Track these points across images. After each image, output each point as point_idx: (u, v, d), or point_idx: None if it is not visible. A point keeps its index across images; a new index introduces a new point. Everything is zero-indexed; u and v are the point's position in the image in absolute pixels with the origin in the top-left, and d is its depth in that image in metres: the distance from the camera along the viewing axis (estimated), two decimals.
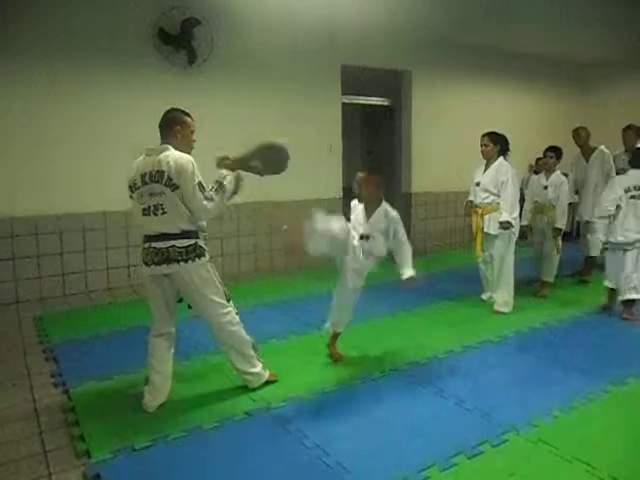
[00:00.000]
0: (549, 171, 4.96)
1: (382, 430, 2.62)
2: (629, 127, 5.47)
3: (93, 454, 2.41)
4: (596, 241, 5.08)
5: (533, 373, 3.28)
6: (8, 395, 3.03)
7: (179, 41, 5.27)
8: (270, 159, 2.90)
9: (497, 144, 4.44)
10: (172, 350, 2.92)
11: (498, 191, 4.36)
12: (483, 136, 4.51)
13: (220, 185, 2.74)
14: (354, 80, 6.66)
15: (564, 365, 3.37)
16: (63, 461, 2.38)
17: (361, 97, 7.24)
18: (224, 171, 2.81)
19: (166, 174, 2.65)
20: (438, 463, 2.31)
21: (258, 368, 3.01)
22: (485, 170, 4.51)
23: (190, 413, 2.79)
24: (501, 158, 4.44)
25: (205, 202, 2.67)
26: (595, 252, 5.38)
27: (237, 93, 5.71)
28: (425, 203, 7.48)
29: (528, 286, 5.09)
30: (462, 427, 2.62)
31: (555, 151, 4.94)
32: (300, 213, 6.45)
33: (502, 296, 4.45)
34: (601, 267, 4.72)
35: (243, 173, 2.89)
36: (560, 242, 4.93)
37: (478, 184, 4.51)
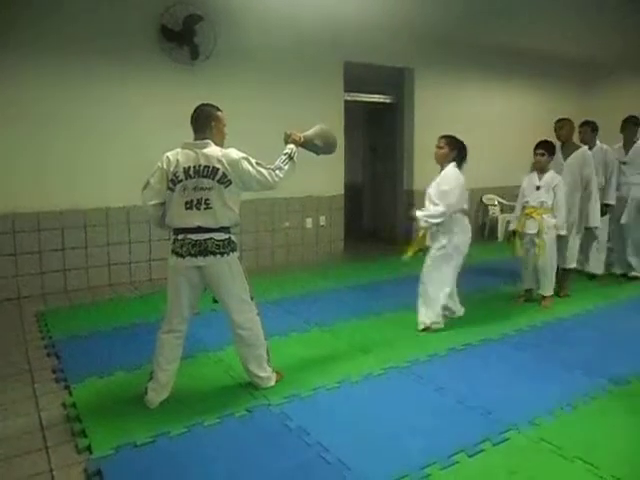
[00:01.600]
0: (542, 170, 4.48)
1: (383, 427, 2.62)
2: (586, 122, 5.30)
3: (94, 450, 2.42)
4: (573, 252, 4.79)
5: (534, 371, 3.28)
6: (10, 391, 3.03)
7: (182, 38, 5.27)
8: (328, 141, 3.20)
9: (453, 149, 3.94)
10: (181, 349, 2.92)
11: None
12: (440, 137, 4.02)
13: (289, 156, 2.92)
14: (356, 77, 6.65)
15: (566, 363, 3.36)
16: (64, 457, 2.39)
17: (363, 94, 7.23)
18: (292, 145, 2.97)
19: (221, 171, 2.70)
20: (439, 461, 2.31)
21: (268, 372, 3.01)
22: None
23: (191, 409, 2.79)
24: (451, 165, 3.92)
25: (277, 172, 2.82)
26: (572, 264, 4.84)
27: (239, 90, 5.71)
28: None
29: (509, 301, 4.74)
30: (463, 425, 2.62)
31: (546, 147, 4.45)
32: (302, 210, 6.45)
33: None
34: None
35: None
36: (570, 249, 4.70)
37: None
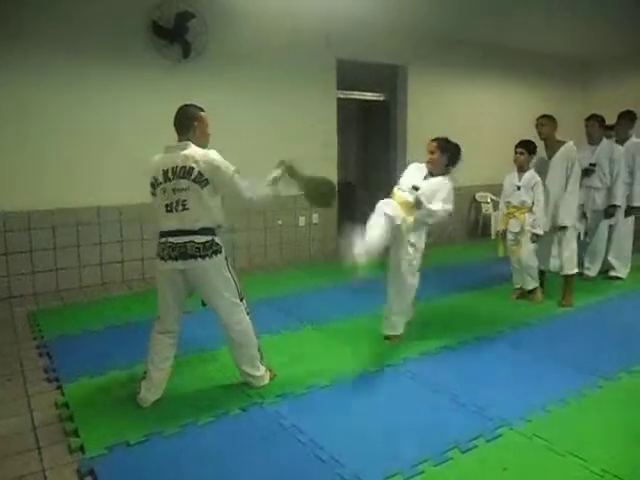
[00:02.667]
0: (521, 169, 4.43)
1: (376, 425, 2.62)
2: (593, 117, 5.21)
3: (87, 449, 2.40)
4: (568, 255, 4.51)
5: (527, 368, 3.29)
6: (1, 391, 3.01)
7: (173, 35, 5.24)
8: (315, 194, 3.20)
9: (444, 153, 3.67)
10: (174, 348, 2.92)
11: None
12: (432, 140, 3.71)
13: (274, 183, 2.90)
14: (349, 75, 6.65)
15: (558, 360, 3.38)
16: (57, 457, 2.37)
17: (356, 92, 7.23)
18: (279, 171, 2.95)
19: (196, 170, 2.66)
20: (432, 458, 2.32)
21: (261, 371, 3.01)
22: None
23: (185, 408, 2.78)
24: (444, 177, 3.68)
25: (250, 188, 2.77)
26: (571, 269, 4.56)
27: (231, 87, 5.69)
28: None
29: (502, 299, 4.73)
30: (456, 422, 2.63)
31: (526, 146, 4.40)
32: (295, 207, 6.44)
33: None
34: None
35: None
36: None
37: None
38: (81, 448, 2.43)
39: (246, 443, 2.48)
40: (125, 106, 5.15)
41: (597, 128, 5.11)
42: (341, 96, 6.73)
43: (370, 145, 8.30)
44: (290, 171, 3.00)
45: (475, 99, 7.80)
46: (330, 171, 6.66)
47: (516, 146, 4.46)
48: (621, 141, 5.29)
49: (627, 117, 5.33)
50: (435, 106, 7.32)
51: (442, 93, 7.46)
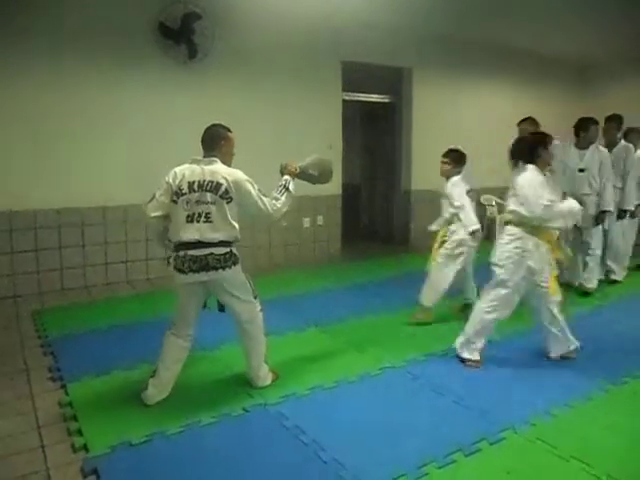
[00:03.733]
0: (447, 178, 4.19)
1: (379, 426, 2.62)
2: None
3: (91, 449, 2.41)
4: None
5: (532, 371, 3.28)
6: (6, 389, 3.02)
7: (179, 35, 5.26)
8: (324, 170, 3.31)
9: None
10: (187, 352, 2.96)
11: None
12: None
13: (285, 187, 3.00)
14: (355, 77, 6.65)
15: (563, 364, 3.37)
16: (60, 456, 2.38)
17: (361, 94, 7.22)
18: (287, 176, 3.05)
19: (224, 187, 2.74)
20: (436, 460, 2.32)
21: (266, 370, 3.05)
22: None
23: (188, 408, 2.79)
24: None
25: (273, 202, 2.90)
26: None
27: (237, 88, 5.70)
28: (425, 201, 7.46)
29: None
30: (460, 424, 2.63)
31: (452, 156, 4.17)
32: (300, 209, 6.44)
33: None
34: None
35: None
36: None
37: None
38: (85, 447, 2.43)
39: (248, 443, 2.48)
40: (131, 107, 5.17)
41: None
42: (346, 98, 6.73)
43: (375, 147, 8.29)
44: (290, 170, 3.09)
45: (480, 101, 7.78)
46: (335, 173, 6.67)
47: (443, 155, 4.27)
48: (610, 145, 5.16)
49: (615, 121, 5.22)
50: (440, 108, 7.31)
51: (447, 95, 7.45)
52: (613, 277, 5.40)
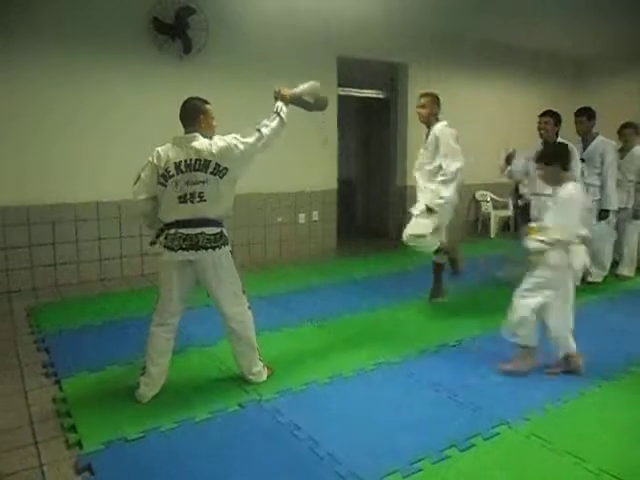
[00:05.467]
0: None
1: (374, 422, 2.62)
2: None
3: (85, 445, 2.40)
4: None
5: None
6: None
7: (174, 30, 5.23)
8: (318, 97, 3.20)
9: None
10: (172, 343, 2.92)
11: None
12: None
13: (277, 114, 2.95)
14: (350, 72, 6.64)
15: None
16: (54, 452, 2.37)
17: (357, 89, 7.21)
18: (279, 103, 3.00)
19: (213, 162, 2.71)
20: (430, 455, 2.32)
21: (259, 366, 3.02)
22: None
23: (182, 404, 2.78)
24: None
25: (262, 129, 2.84)
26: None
27: (232, 83, 5.68)
28: None
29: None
30: (454, 420, 2.63)
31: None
32: (295, 205, 6.43)
33: None
34: None
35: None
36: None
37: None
38: (79, 443, 2.42)
39: (243, 439, 2.47)
40: (126, 102, 5.14)
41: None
42: (342, 93, 6.72)
43: (370, 143, 8.29)
44: (283, 94, 3.07)
45: (475, 97, 7.78)
46: (331, 168, 6.66)
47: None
48: (586, 140, 4.95)
49: (586, 114, 4.93)
50: None
51: (442, 91, 7.35)
52: (591, 279, 5.14)
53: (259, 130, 2.86)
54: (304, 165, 6.27)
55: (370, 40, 6.53)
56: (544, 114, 4.56)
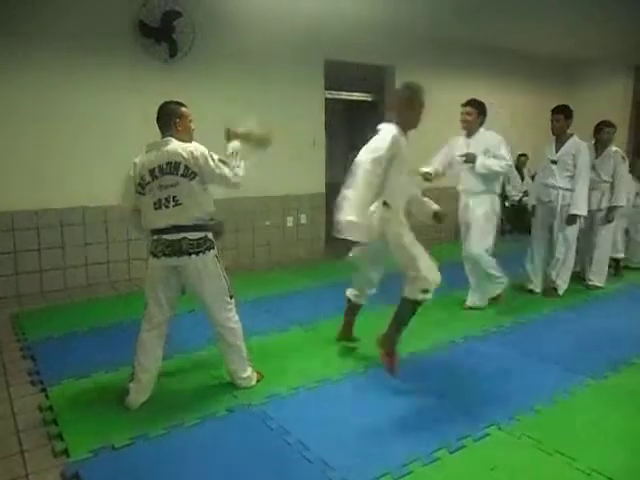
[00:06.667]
0: None
1: (364, 426, 2.61)
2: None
3: (72, 453, 2.37)
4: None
5: (515, 368, 3.31)
6: None
7: (160, 33, 5.19)
8: (263, 139, 3.07)
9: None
10: (162, 349, 2.89)
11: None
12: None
13: (236, 154, 2.83)
14: (338, 75, 6.64)
15: (546, 360, 3.40)
16: (41, 461, 2.34)
17: (344, 92, 7.22)
18: (235, 144, 2.87)
19: (182, 164, 2.67)
20: (421, 458, 2.32)
21: (249, 371, 3.00)
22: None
23: (171, 410, 2.76)
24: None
25: (232, 170, 2.75)
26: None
27: (219, 87, 5.65)
28: None
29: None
30: (444, 422, 2.63)
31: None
32: (283, 208, 6.40)
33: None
34: None
35: None
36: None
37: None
38: (65, 452, 2.39)
39: (233, 444, 2.45)
40: (111, 106, 5.09)
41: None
42: (329, 96, 6.72)
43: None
44: (239, 137, 2.94)
45: (461, 99, 7.80)
46: (318, 171, 6.65)
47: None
48: (560, 140, 4.76)
49: (563, 112, 4.71)
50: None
51: (430, 93, 7.45)
52: (553, 285, 4.91)
53: (236, 173, 2.77)
54: (292, 168, 6.26)
55: (357, 43, 6.53)
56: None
